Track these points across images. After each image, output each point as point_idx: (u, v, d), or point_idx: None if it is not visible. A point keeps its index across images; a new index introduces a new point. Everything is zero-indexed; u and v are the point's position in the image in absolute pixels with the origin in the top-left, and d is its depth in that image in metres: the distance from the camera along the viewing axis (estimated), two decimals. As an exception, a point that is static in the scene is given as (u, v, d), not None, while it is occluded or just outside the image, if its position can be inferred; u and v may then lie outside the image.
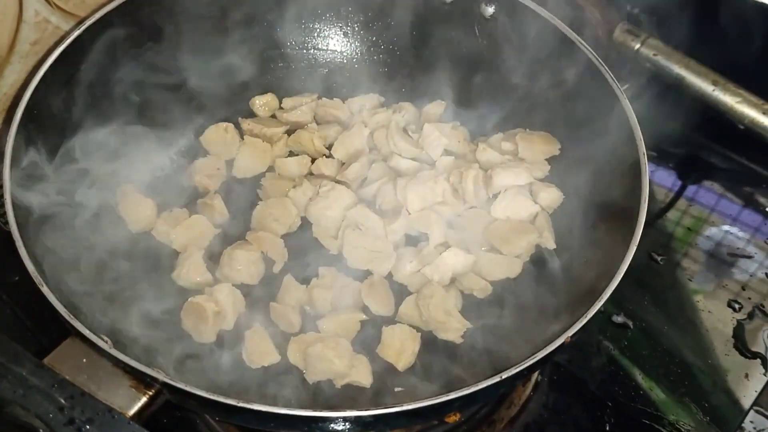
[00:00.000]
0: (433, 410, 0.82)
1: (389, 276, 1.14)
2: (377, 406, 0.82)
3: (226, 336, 1.06)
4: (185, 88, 1.27)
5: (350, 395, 1.01)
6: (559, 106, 1.22)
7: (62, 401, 0.75)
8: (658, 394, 1.17)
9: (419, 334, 1.07)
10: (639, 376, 1.19)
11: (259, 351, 1.03)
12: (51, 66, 1.07)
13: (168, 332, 1.05)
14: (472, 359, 1.05)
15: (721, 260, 1.37)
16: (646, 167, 1.02)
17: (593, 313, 0.89)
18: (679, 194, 1.49)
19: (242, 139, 1.28)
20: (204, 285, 1.10)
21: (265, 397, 0.99)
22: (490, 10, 1.26)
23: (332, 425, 0.83)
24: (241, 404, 0.78)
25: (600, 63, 1.13)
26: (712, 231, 1.42)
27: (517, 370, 0.83)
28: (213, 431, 1.08)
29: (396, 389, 1.02)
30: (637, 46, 1.51)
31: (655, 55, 1.50)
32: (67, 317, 0.83)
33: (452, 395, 0.81)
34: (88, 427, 0.73)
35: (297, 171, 1.25)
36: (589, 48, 1.15)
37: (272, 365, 1.03)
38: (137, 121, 1.21)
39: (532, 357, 0.85)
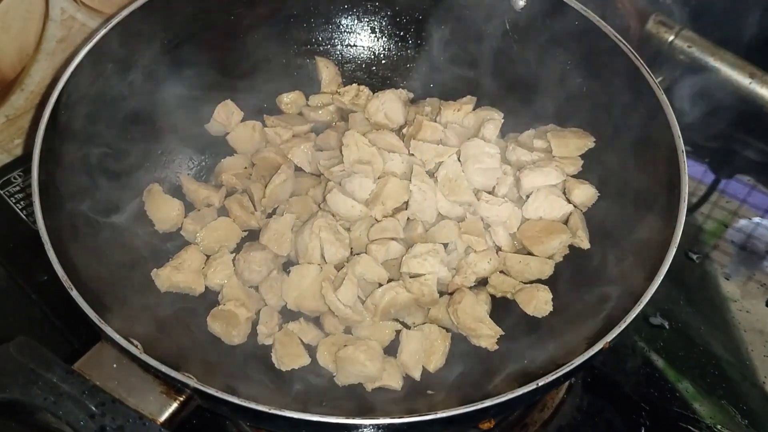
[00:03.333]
0: (468, 417, 0.80)
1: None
2: (409, 411, 0.81)
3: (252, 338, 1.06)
4: (211, 84, 1.25)
5: (381, 398, 1.00)
6: (592, 102, 1.18)
7: (93, 408, 0.74)
8: (695, 396, 1.14)
9: (449, 333, 1.05)
10: (675, 378, 1.16)
11: (289, 353, 1.02)
12: (79, 64, 1.06)
13: (194, 334, 1.05)
14: (505, 362, 1.02)
15: (753, 253, 1.34)
16: (685, 164, 0.99)
17: (632, 317, 0.86)
18: (712, 188, 1.46)
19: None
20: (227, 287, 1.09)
21: (293, 399, 0.98)
22: (521, 2, 1.23)
23: (364, 432, 0.82)
24: (273, 411, 0.77)
25: (635, 56, 1.09)
26: (742, 224, 1.39)
27: (554, 377, 0.81)
28: (242, 432, 1.08)
29: (428, 392, 1.00)
30: (671, 37, 1.48)
31: (689, 47, 1.46)
32: (96, 321, 0.82)
33: (488, 403, 0.79)
34: (119, 434, 0.73)
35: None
36: (623, 40, 1.11)
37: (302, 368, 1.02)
38: (164, 119, 1.20)
39: (569, 364, 0.82)
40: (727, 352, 1.20)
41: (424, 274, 1.06)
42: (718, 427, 1.11)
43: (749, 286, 1.29)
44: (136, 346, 0.81)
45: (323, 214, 1.11)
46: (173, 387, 0.80)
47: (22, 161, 1.39)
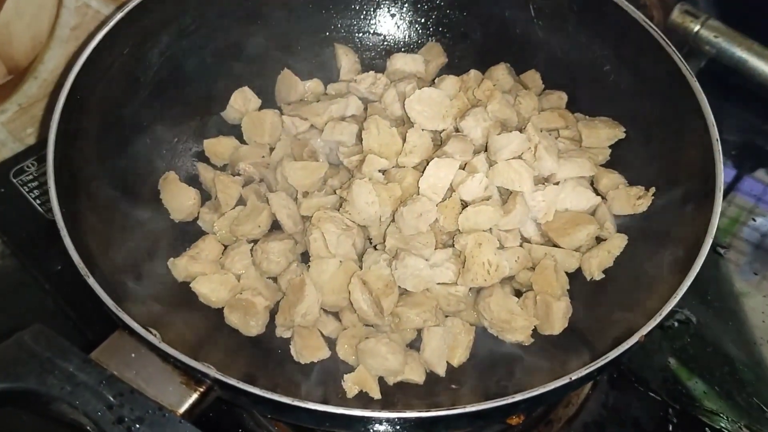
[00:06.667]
0: (499, 411, 0.78)
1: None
2: (433, 405, 0.78)
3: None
4: (227, 72, 1.23)
5: (403, 392, 0.97)
6: (622, 90, 1.15)
7: (111, 399, 0.72)
8: (722, 393, 1.12)
9: (473, 327, 1.03)
10: (703, 375, 1.13)
11: (309, 346, 0.99)
12: (93, 50, 1.03)
13: (210, 324, 1.03)
14: (530, 357, 1.00)
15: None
16: (720, 154, 0.96)
17: (668, 310, 0.83)
18: (734, 183, 1.44)
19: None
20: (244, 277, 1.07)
21: (314, 393, 0.96)
22: (546, -11, 1.20)
23: (390, 426, 0.79)
24: (295, 402, 0.75)
25: (667, 43, 1.06)
26: (758, 222, 1.37)
27: (588, 371, 0.79)
28: (260, 425, 1.06)
29: (452, 386, 0.97)
30: (697, 27, 1.45)
31: (716, 37, 1.43)
32: (114, 309, 0.80)
33: (519, 397, 0.76)
34: (137, 426, 0.70)
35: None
36: (653, 26, 1.08)
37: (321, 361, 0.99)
38: (180, 106, 1.18)
39: (604, 357, 0.80)
40: (742, 351, 1.17)
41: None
42: (748, 424, 1.08)
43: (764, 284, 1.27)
44: (155, 335, 0.79)
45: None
46: (193, 377, 0.77)
47: (35, 150, 1.37)
